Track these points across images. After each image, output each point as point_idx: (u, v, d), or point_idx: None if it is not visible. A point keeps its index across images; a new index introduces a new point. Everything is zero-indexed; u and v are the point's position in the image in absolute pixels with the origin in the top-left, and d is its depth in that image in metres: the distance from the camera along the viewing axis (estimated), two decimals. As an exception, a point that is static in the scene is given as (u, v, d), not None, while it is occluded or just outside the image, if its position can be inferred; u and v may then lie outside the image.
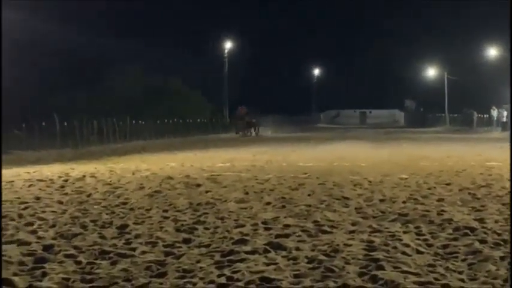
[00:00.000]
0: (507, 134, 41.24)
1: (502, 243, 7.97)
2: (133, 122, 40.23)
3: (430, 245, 7.95)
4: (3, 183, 15.01)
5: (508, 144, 23.03)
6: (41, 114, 34.61)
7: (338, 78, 79.26)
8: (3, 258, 7.26)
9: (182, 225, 9.41)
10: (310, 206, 11.18)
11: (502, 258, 7.15)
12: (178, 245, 8.09)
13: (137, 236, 8.60)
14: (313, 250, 7.70)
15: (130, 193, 13.17)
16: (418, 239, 8.31)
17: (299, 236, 8.57)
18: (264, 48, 70.19)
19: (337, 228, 9.06)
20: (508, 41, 52.00)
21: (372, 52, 74.71)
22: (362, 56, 76.60)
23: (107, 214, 10.47)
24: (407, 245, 7.88)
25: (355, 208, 10.92)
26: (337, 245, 7.88)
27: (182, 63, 57.15)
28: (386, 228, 9.06)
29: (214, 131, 51.53)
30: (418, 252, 7.60)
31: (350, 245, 7.89)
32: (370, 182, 14.90)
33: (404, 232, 8.75)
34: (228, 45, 60.70)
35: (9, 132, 27.63)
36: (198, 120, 52.51)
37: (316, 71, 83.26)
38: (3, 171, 18.18)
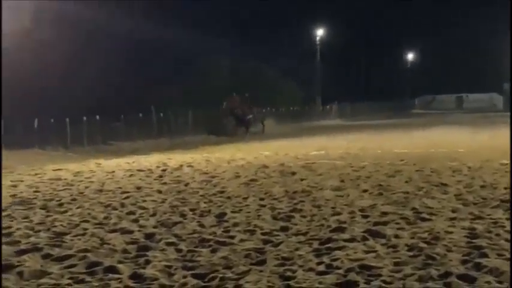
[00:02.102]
0: None
1: None
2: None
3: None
4: (105, 174, 15.47)
5: None
6: (138, 106, 35.43)
7: (433, 62, 77.56)
8: (108, 246, 7.49)
9: (279, 213, 9.45)
10: (408, 193, 11.02)
11: None
12: (276, 233, 8.13)
13: (235, 224, 8.69)
14: (412, 238, 7.59)
15: (226, 182, 13.32)
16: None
17: (398, 223, 8.47)
18: (356, 33, 69.29)
19: (437, 216, 8.90)
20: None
21: (467, 33, 72.58)
22: (457, 38, 74.59)
23: (204, 203, 10.62)
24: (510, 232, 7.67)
25: (455, 195, 10.69)
26: (438, 232, 7.74)
27: (275, 51, 57.13)
28: (489, 215, 8.84)
29: (307, 119, 51.37)
30: (522, 239, 7.38)
31: (451, 232, 7.74)
32: (470, 168, 14.56)
33: (507, 219, 8.51)
34: (320, 32, 60.34)
35: (110, 124, 28.41)
36: (291, 108, 52.50)
37: (410, 55, 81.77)
38: (105, 162, 18.74)
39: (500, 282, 5.77)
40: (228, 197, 11.19)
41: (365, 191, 11.48)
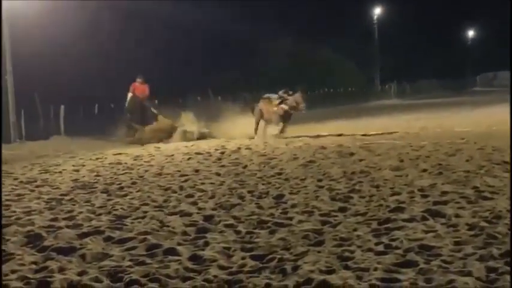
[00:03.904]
0: None
1: None
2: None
3: None
4: (164, 157, 15.64)
5: None
6: (198, 90, 35.87)
7: (494, 37, 75.78)
8: (168, 228, 7.57)
9: (337, 194, 9.41)
10: (468, 171, 10.84)
11: None
12: (334, 213, 8.10)
13: (293, 206, 8.69)
14: (473, 217, 7.47)
15: (284, 164, 13.31)
16: None
17: (458, 202, 8.34)
18: (416, 10, 68.11)
19: (499, 194, 8.73)
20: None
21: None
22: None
23: (263, 185, 10.65)
24: None
25: (516, 172, 10.46)
26: (500, 211, 7.59)
27: (332, 32, 56.69)
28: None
29: (365, 100, 50.96)
30: None
31: (513, 211, 7.58)
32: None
33: None
34: (378, 11, 59.61)
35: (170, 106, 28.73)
36: (349, 89, 52.18)
37: (471, 32, 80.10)
38: (164, 146, 18.96)
39: None
40: (286, 179, 11.19)
41: (424, 170, 11.34)
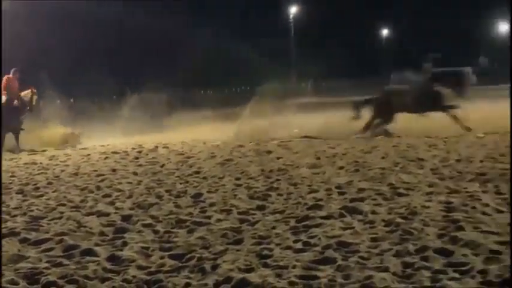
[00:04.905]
0: None
1: None
2: (202, 92, 40.53)
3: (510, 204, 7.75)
4: (80, 157, 15.35)
5: None
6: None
7: (408, 37, 77.57)
8: (85, 229, 7.43)
9: (255, 192, 9.43)
10: (384, 168, 11.05)
11: None
12: (252, 212, 8.12)
13: (212, 204, 8.66)
14: (389, 213, 7.62)
15: (202, 162, 13.27)
16: (498, 198, 8.12)
17: (374, 199, 8.48)
18: (331, 11, 69.05)
19: (414, 190, 8.93)
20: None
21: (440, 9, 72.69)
22: (433, 12, 74.63)
23: (180, 184, 10.58)
24: (486, 205, 7.72)
25: (431, 169, 10.73)
26: (415, 207, 7.76)
27: (252, 31, 56.93)
28: (465, 188, 8.88)
29: (282, 97, 51.21)
30: (498, 211, 7.43)
31: (428, 207, 7.76)
32: (445, 142, 14.63)
33: (483, 192, 8.57)
34: (293, 10, 60.18)
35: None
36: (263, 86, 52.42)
37: (385, 31, 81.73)
38: (80, 145, 18.59)
39: (476, 255, 5.80)
40: (204, 177, 11.16)
41: (341, 168, 11.49)
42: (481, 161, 11.29)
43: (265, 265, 5.81)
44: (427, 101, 17.69)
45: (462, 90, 17.91)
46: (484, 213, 7.37)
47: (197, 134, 19.87)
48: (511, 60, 44.22)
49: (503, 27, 71.49)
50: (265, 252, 6.20)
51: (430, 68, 19.03)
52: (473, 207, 7.63)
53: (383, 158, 12.55)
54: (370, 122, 18.15)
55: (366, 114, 18.33)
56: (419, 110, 17.81)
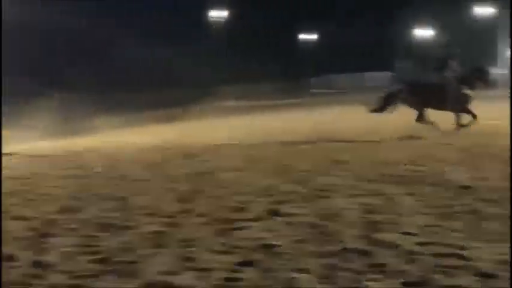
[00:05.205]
0: None
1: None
2: (128, 94, 40.01)
3: (430, 206, 8.01)
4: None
5: None
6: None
7: (329, 42, 78.50)
8: (9, 234, 7.32)
9: (181, 195, 9.46)
10: (307, 171, 11.23)
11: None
12: (178, 215, 8.15)
13: (138, 208, 8.65)
14: (312, 215, 7.76)
15: (129, 165, 13.21)
16: (419, 201, 8.39)
17: (297, 201, 8.63)
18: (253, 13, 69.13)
19: (336, 193, 9.12)
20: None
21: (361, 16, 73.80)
22: (356, 20, 75.77)
23: (106, 187, 10.51)
24: (407, 207, 7.95)
25: (354, 172, 10.96)
26: (336, 209, 7.94)
27: (175, 34, 56.58)
28: (386, 191, 9.11)
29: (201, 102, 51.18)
30: (419, 213, 7.67)
31: (349, 209, 7.95)
32: (367, 145, 14.95)
33: (404, 194, 8.82)
34: (215, 13, 60.29)
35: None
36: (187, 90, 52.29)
37: (305, 36, 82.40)
38: None
39: (396, 256, 5.99)
40: (130, 181, 11.12)
41: (266, 171, 11.63)
42: (405, 164, 11.58)
43: (190, 268, 5.87)
44: (456, 101, 16.99)
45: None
46: (404, 215, 7.59)
47: (124, 137, 19.76)
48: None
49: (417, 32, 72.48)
50: (190, 255, 6.25)
51: (457, 66, 17.92)
52: (394, 210, 7.85)
53: (306, 160, 12.73)
54: (420, 114, 17.31)
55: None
56: (447, 108, 17.12)
